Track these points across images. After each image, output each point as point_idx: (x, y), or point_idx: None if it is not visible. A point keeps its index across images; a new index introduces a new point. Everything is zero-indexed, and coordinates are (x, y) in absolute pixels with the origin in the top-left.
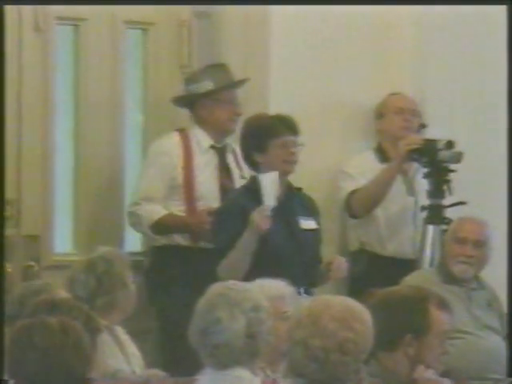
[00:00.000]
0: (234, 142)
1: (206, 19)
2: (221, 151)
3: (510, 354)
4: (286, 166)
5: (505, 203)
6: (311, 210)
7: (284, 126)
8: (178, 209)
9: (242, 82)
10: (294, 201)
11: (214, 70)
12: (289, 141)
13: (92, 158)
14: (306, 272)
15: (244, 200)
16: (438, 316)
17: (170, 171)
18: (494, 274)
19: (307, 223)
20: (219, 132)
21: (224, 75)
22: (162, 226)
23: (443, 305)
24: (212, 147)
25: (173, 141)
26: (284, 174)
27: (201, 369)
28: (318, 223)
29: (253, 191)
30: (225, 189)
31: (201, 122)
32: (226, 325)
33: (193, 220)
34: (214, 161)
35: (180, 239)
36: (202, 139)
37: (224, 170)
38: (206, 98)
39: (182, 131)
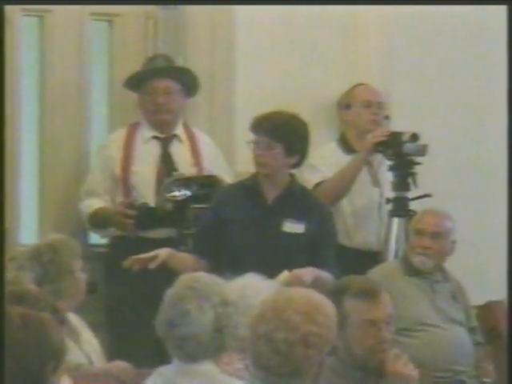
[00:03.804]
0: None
1: (172, 11)
2: (164, 141)
3: (510, 356)
4: (256, 166)
5: (471, 196)
6: (306, 214)
7: (255, 124)
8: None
9: (151, 71)
10: (287, 201)
11: (148, 61)
12: (256, 141)
13: (57, 149)
14: (274, 274)
15: (237, 194)
16: (354, 306)
17: (110, 164)
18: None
19: (292, 226)
20: (155, 123)
21: (152, 65)
22: (94, 220)
23: (362, 294)
24: (155, 137)
25: (117, 134)
26: (259, 176)
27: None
28: (314, 228)
29: (247, 188)
30: (163, 179)
31: (141, 113)
32: (193, 317)
33: (112, 212)
34: (156, 151)
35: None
36: (145, 130)
37: (166, 160)
38: (134, 89)
39: (136, 123)
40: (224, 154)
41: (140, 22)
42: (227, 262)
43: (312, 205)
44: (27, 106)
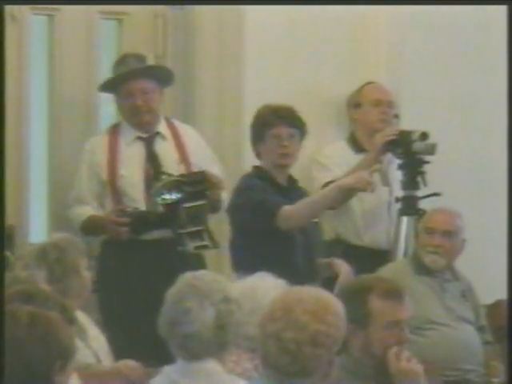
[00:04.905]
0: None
1: (180, 10)
2: (148, 141)
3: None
4: (278, 159)
5: (478, 195)
6: None
7: (277, 116)
8: (111, 206)
9: (124, 74)
10: (296, 193)
11: (119, 61)
12: (281, 132)
13: (66, 147)
14: (310, 266)
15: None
16: (380, 307)
17: (96, 170)
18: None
19: None
20: (136, 124)
21: (124, 67)
22: (87, 228)
23: (389, 295)
24: (138, 138)
25: (99, 138)
26: (278, 167)
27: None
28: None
29: (264, 180)
30: (151, 180)
31: (121, 115)
32: (195, 315)
33: (104, 221)
34: (141, 152)
35: None
36: (127, 132)
37: (152, 160)
38: (110, 91)
39: (116, 125)
40: (233, 152)
41: (149, 21)
42: (280, 258)
43: (304, 193)
44: (36, 104)
